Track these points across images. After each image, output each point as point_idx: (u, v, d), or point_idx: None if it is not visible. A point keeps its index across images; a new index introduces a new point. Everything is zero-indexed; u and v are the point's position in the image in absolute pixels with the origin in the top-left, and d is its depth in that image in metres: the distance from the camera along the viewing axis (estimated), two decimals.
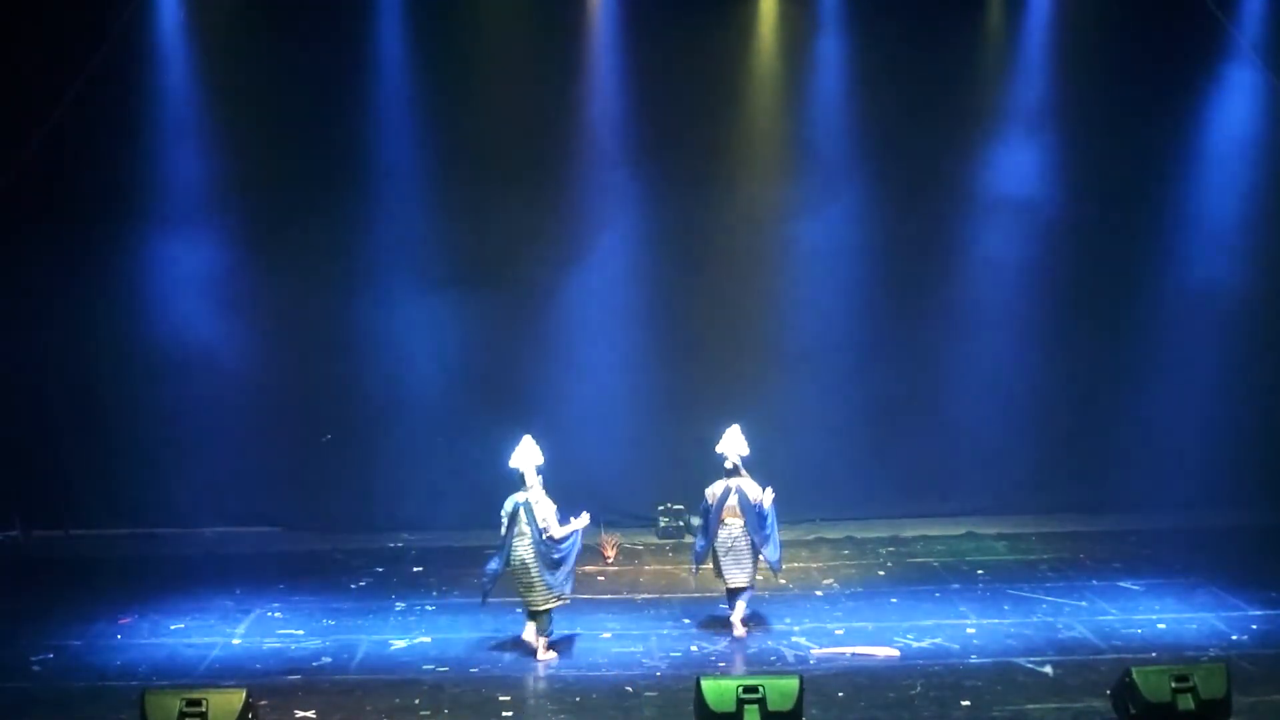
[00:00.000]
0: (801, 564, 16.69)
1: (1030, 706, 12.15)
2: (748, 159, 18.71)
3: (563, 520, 13.58)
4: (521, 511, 13.47)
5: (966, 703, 12.24)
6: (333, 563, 17.18)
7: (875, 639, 13.97)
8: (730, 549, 14.23)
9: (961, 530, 18.34)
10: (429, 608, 15.34)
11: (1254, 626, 14.26)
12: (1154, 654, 13.25)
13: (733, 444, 14.40)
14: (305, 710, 12.16)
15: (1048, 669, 13.07)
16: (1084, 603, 15.16)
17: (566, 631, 14.12)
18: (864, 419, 18.70)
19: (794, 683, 10.70)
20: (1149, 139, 18.47)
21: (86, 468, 18.25)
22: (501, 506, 13.63)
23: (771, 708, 10.55)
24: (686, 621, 14.74)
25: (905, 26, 18.07)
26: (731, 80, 18.52)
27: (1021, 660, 13.32)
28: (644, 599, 15.62)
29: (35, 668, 13.42)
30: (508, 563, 13.55)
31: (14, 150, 16.96)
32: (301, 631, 14.49)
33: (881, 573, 16.70)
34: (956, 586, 15.94)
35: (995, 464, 18.78)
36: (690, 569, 14.94)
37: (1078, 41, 18.44)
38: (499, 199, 18.13)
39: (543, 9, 18.28)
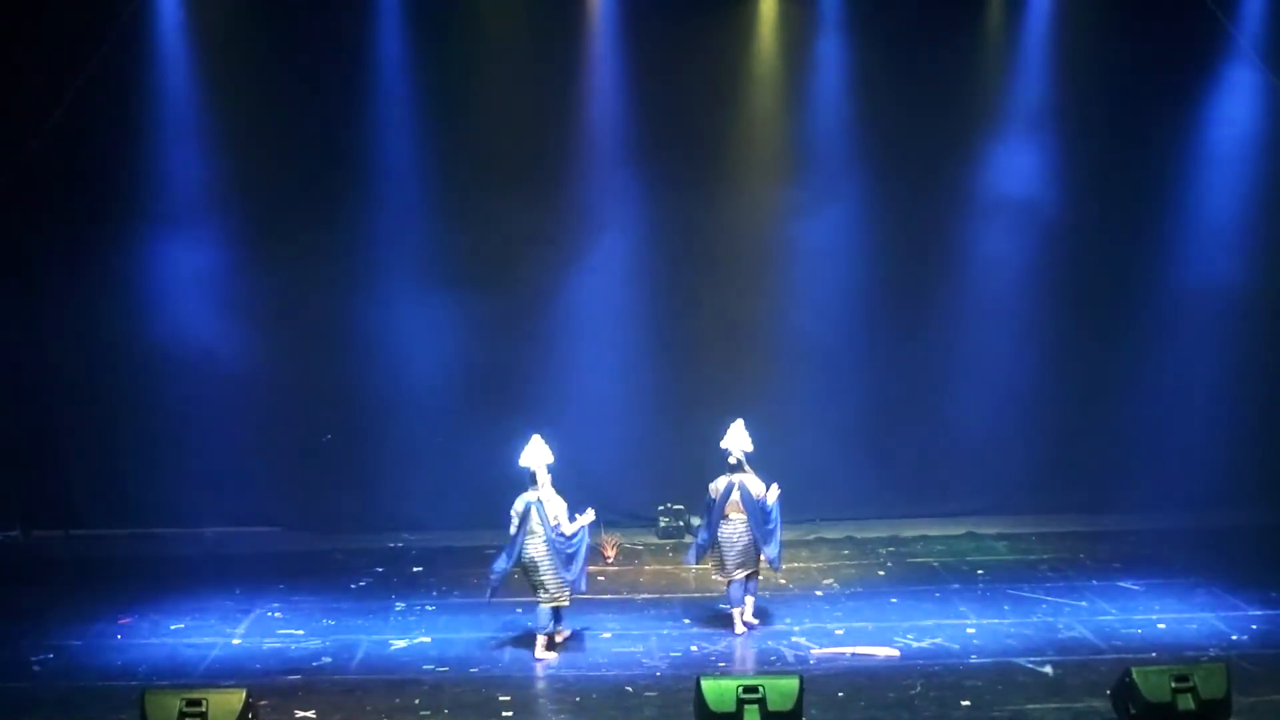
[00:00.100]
0: (801, 564, 16.69)
1: (1030, 706, 12.16)
2: (748, 159, 18.71)
3: (569, 519, 13.71)
4: (533, 510, 13.56)
5: (966, 703, 12.25)
6: (333, 563, 17.19)
7: (875, 639, 13.98)
8: (733, 544, 14.29)
9: (961, 530, 18.34)
10: (429, 608, 15.35)
11: (1254, 626, 14.27)
12: (1154, 654, 13.27)
13: (737, 439, 14.46)
14: (305, 710, 12.16)
15: (1048, 669, 13.07)
16: (1084, 603, 15.17)
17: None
18: (864, 419, 18.71)
19: (794, 683, 10.72)
20: (1149, 139, 18.48)
21: (86, 468, 18.25)
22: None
23: (771, 708, 10.57)
24: (686, 621, 14.74)
25: (905, 26, 18.07)
26: (731, 80, 18.52)
27: (1021, 660, 13.32)
28: (644, 599, 15.63)
29: (35, 668, 13.43)
30: (517, 562, 13.59)
31: (14, 150, 16.96)
32: (301, 631, 14.50)
33: (881, 573, 16.70)
34: (956, 586, 15.94)
35: (995, 464, 18.77)
36: (688, 560, 15.01)
37: (1078, 41, 18.44)
38: (499, 199, 18.13)
39: (543, 9, 18.28)
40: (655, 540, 18.09)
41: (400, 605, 15.41)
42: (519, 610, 14.92)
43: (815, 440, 18.23)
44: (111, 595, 15.56)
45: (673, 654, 13.69)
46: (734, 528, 14.30)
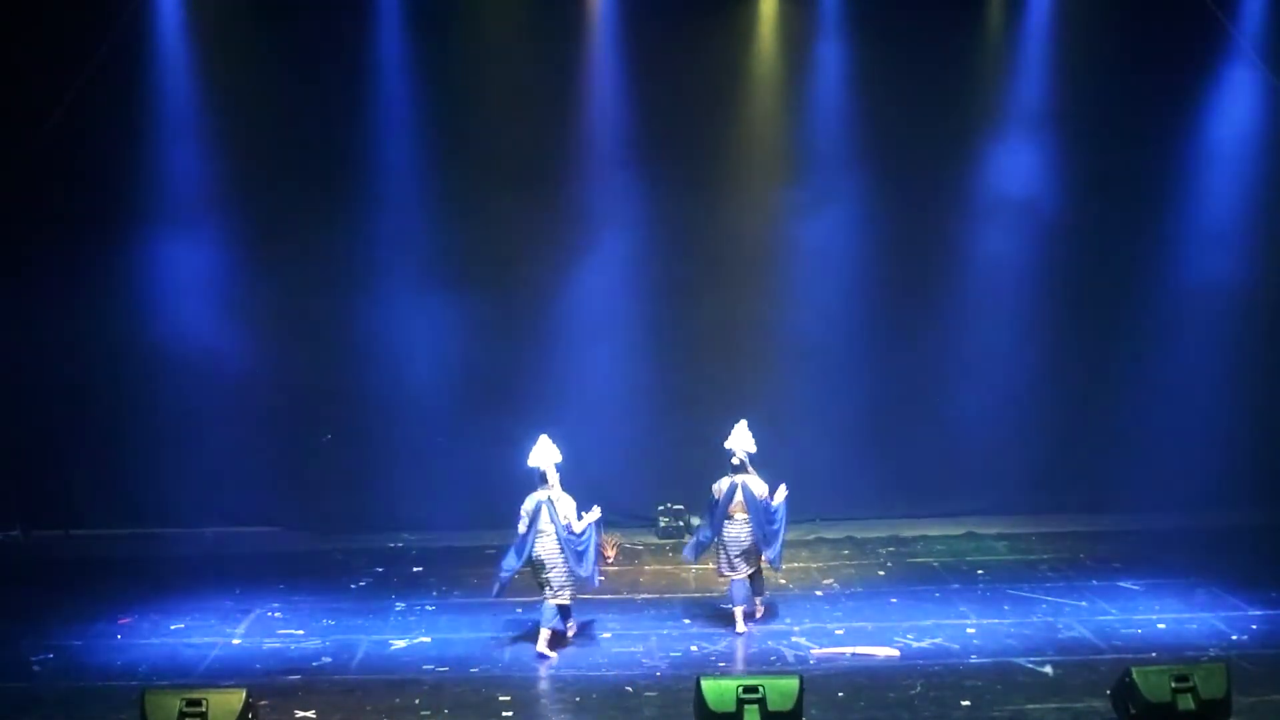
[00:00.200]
0: (801, 564, 16.69)
1: (1030, 706, 12.16)
2: (748, 159, 18.71)
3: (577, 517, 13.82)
4: (544, 509, 13.66)
5: (966, 703, 12.25)
6: (333, 563, 17.19)
7: (875, 639, 13.98)
8: (739, 544, 14.36)
9: (961, 530, 18.34)
10: (429, 608, 15.35)
11: (1254, 626, 14.27)
12: (1154, 654, 13.27)
13: (740, 440, 14.49)
14: (305, 710, 12.16)
15: (1048, 669, 13.07)
16: (1084, 603, 15.17)
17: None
18: (864, 419, 18.71)
19: (794, 683, 10.72)
20: (1149, 139, 18.47)
21: (86, 468, 18.25)
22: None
23: (771, 708, 10.57)
24: (686, 621, 14.75)
25: (905, 27, 18.06)
26: (732, 81, 18.52)
27: (1021, 660, 13.32)
28: (644, 599, 15.63)
29: (35, 668, 13.43)
30: (527, 560, 13.65)
31: (14, 150, 16.96)
32: (301, 631, 14.50)
33: (881, 573, 16.70)
34: (956, 586, 15.94)
35: (995, 464, 18.77)
36: (686, 556, 15.06)
37: (1078, 41, 18.43)
38: (499, 199, 18.13)
39: (543, 9, 18.28)
40: (655, 540, 18.09)
41: (400, 605, 15.41)
42: (519, 610, 14.94)
43: (815, 440, 18.23)
44: (111, 595, 15.57)
45: (673, 654, 13.69)
46: (738, 528, 14.35)
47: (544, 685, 12.96)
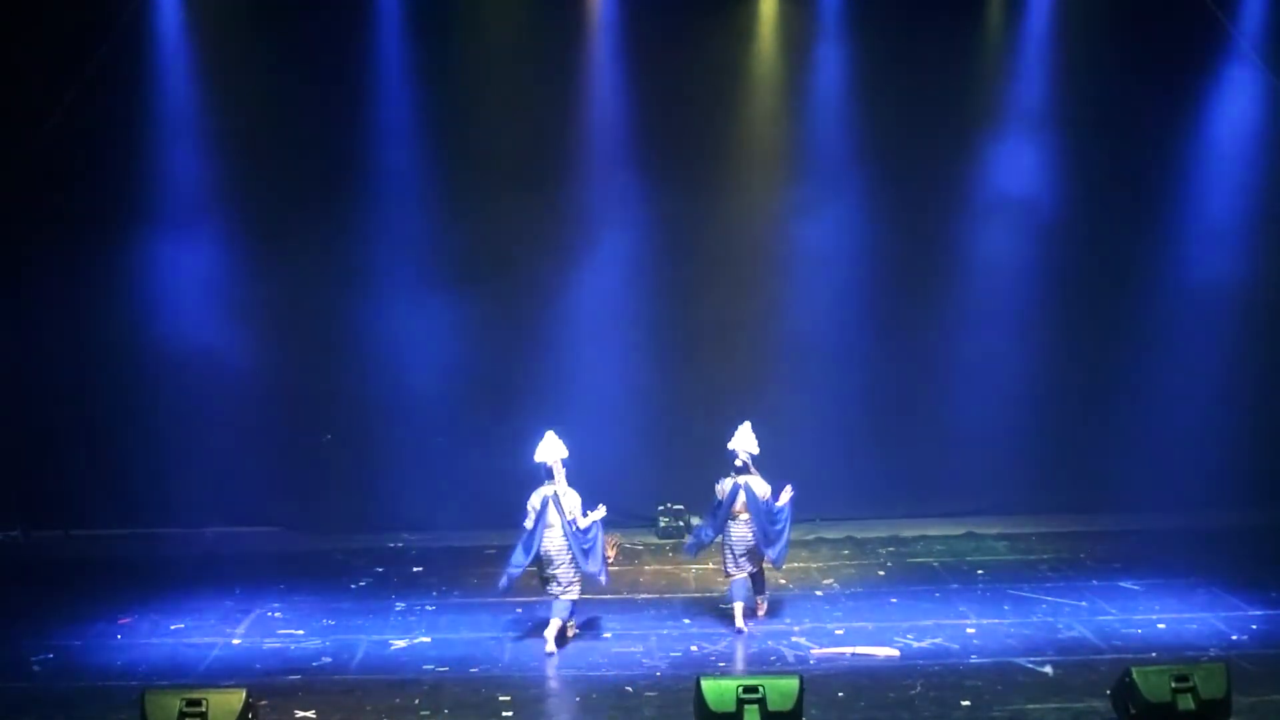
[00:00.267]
0: (801, 564, 16.69)
1: (1030, 706, 12.15)
2: (749, 159, 18.72)
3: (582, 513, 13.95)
4: (550, 504, 13.79)
5: (966, 703, 12.24)
6: (333, 563, 17.18)
7: (875, 639, 13.97)
8: (744, 543, 14.41)
9: (961, 530, 18.34)
10: (429, 608, 15.34)
11: (1254, 626, 14.27)
12: (1154, 654, 13.25)
13: (744, 441, 14.53)
14: (305, 710, 12.16)
15: (1048, 669, 13.07)
16: (1084, 603, 15.16)
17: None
18: (864, 419, 18.71)
19: (794, 683, 10.71)
20: (1149, 139, 18.48)
21: (86, 468, 18.23)
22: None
23: (771, 708, 10.56)
24: (686, 621, 14.74)
25: (905, 27, 18.07)
26: (732, 81, 18.52)
27: (1021, 660, 13.32)
28: (644, 599, 15.62)
29: (35, 668, 13.43)
30: (535, 556, 13.76)
31: (14, 150, 16.96)
32: (301, 631, 14.50)
33: (881, 573, 16.70)
34: (956, 586, 15.94)
35: (995, 464, 18.76)
36: (687, 550, 15.16)
37: (1078, 41, 18.44)
38: (499, 200, 18.13)
39: (543, 10, 18.28)
40: (655, 540, 18.09)
41: (400, 605, 15.41)
42: (519, 610, 14.95)
43: (815, 440, 18.22)
44: (111, 595, 15.56)
45: (673, 654, 13.68)
46: (742, 529, 14.41)
47: (544, 685, 12.95)
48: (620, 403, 18.29)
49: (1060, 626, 14.39)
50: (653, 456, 18.30)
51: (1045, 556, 17.22)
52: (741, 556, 14.44)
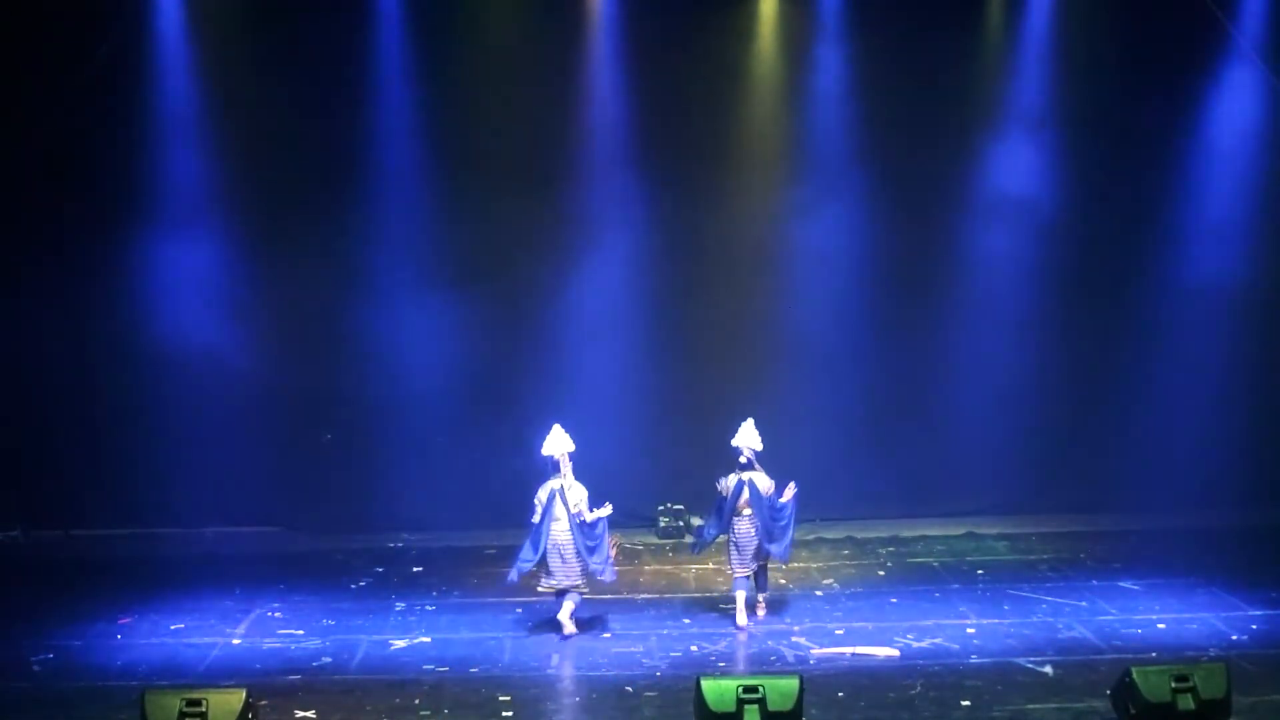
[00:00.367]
0: (801, 564, 16.68)
1: (1030, 706, 12.15)
2: (749, 160, 18.73)
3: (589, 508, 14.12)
4: (557, 497, 13.94)
5: (966, 703, 12.24)
6: (333, 563, 17.18)
7: (875, 639, 13.97)
8: (749, 539, 14.49)
9: (961, 530, 18.34)
10: (429, 608, 15.34)
11: (1254, 626, 14.27)
12: (1154, 654, 13.25)
13: (747, 437, 14.61)
14: (305, 710, 12.16)
15: (1048, 669, 13.07)
16: (1084, 603, 15.16)
17: (566, 631, 14.13)
18: (864, 419, 18.72)
19: (794, 683, 10.71)
20: (1149, 139, 18.49)
21: (86, 468, 18.24)
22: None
23: (771, 708, 10.56)
24: (686, 621, 14.74)
25: (905, 27, 18.07)
26: (732, 81, 18.53)
27: (1021, 660, 13.31)
28: (644, 599, 15.62)
29: (35, 668, 13.42)
30: (543, 550, 13.92)
31: (14, 150, 16.96)
32: (301, 631, 14.49)
33: (881, 573, 16.70)
34: (956, 586, 15.94)
35: (995, 464, 18.78)
36: (692, 550, 15.32)
37: (1078, 41, 18.45)
38: (499, 200, 18.14)
39: (543, 10, 18.29)
40: (655, 540, 18.10)
41: (400, 605, 15.41)
42: (519, 610, 14.95)
43: (815, 440, 18.22)
44: (111, 595, 15.56)
45: (673, 654, 13.68)
46: (746, 525, 14.51)
47: (544, 685, 12.95)
48: (620, 403, 18.29)
49: (1060, 626, 14.38)
50: (653, 456, 18.31)
51: (1045, 556, 17.22)
52: (746, 553, 14.49)
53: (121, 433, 18.23)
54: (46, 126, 17.11)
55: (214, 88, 17.90)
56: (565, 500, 13.99)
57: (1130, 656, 12.89)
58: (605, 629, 14.47)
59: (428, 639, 14.20)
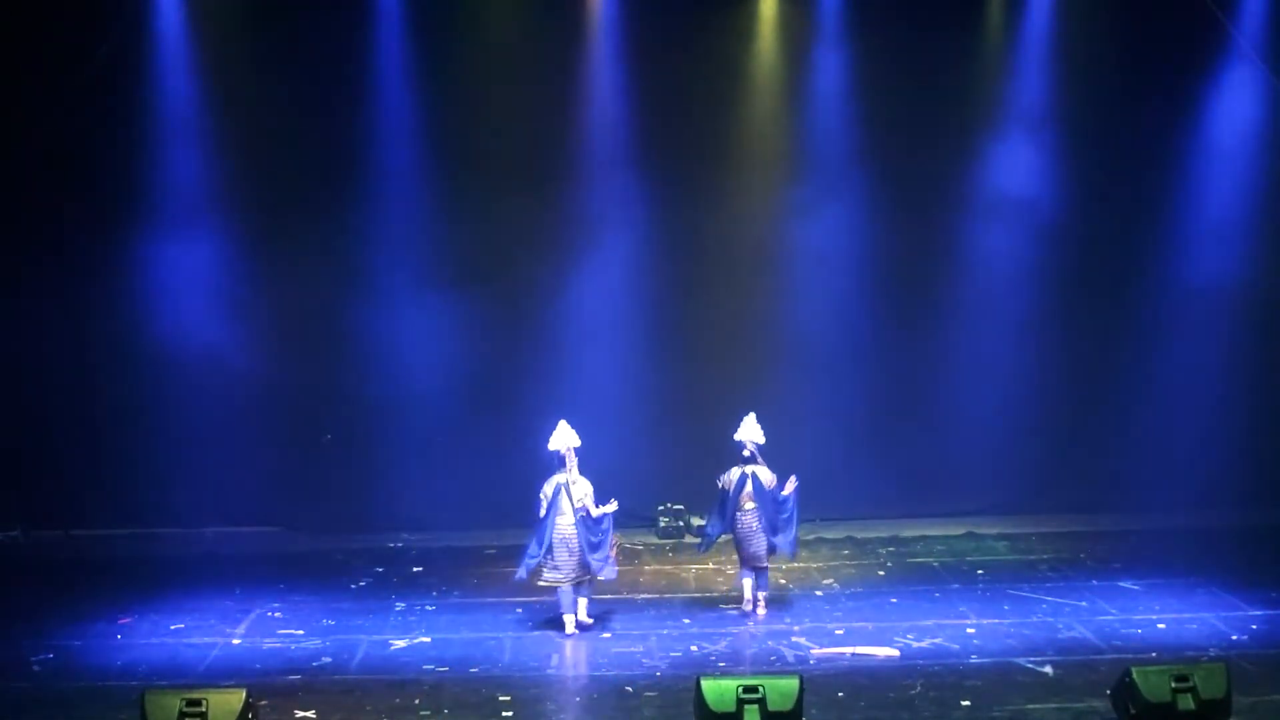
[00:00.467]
0: (801, 564, 16.67)
1: (1030, 706, 12.14)
2: (749, 161, 18.74)
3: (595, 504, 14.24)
4: (563, 492, 14.04)
5: (966, 703, 12.23)
6: (333, 563, 17.18)
7: (875, 639, 13.97)
8: (747, 534, 14.60)
9: (961, 530, 18.34)
10: (429, 608, 15.34)
11: (1254, 626, 14.26)
12: (1154, 654, 13.24)
13: (750, 431, 14.71)
14: (305, 710, 12.15)
15: (1048, 669, 13.06)
16: (1084, 603, 15.15)
17: (566, 632, 14.15)
18: (864, 419, 18.73)
19: (794, 683, 10.71)
20: (1149, 139, 18.49)
21: (86, 468, 18.24)
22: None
23: (771, 708, 10.56)
24: (686, 621, 14.74)
25: (905, 28, 18.08)
26: (732, 81, 18.54)
27: (1021, 660, 13.31)
28: (644, 599, 15.62)
29: (35, 668, 13.41)
30: (549, 544, 14.00)
31: (14, 150, 16.96)
32: (301, 631, 14.49)
33: (881, 573, 16.70)
34: (956, 586, 15.94)
35: (995, 464, 18.78)
36: (700, 549, 15.39)
37: (1078, 41, 18.45)
38: (499, 200, 18.15)
39: (543, 10, 18.29)
40: (655, 540, 18.10)
41: (400, 605, 15.40)
42: (519, 610, 14.96)
43: (815, 440, 18.21)
44: (111, 595, 15.56)
45: (673, 654, 13.67)
46: (750, 518, 14.60)
47: (544, 685, 12.94)
48: (620, 403, 18.29)
49: (1060, 626, 14.38)
50: (653, 456, 18.30)
51: (1045, 556, 17.22)
52: (746, 548, 14.60)
53: (121, 433, 18.24)
54: (46, 126, 17.12)
55: (214, 87, 17.91)
56: (570, 495, 14.07)
57: (1130, 656, 12.88)
58: (605, 629, 14.47)
59: (428, 639, 14.20)
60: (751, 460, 14.69)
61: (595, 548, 14.12)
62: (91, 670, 13.32)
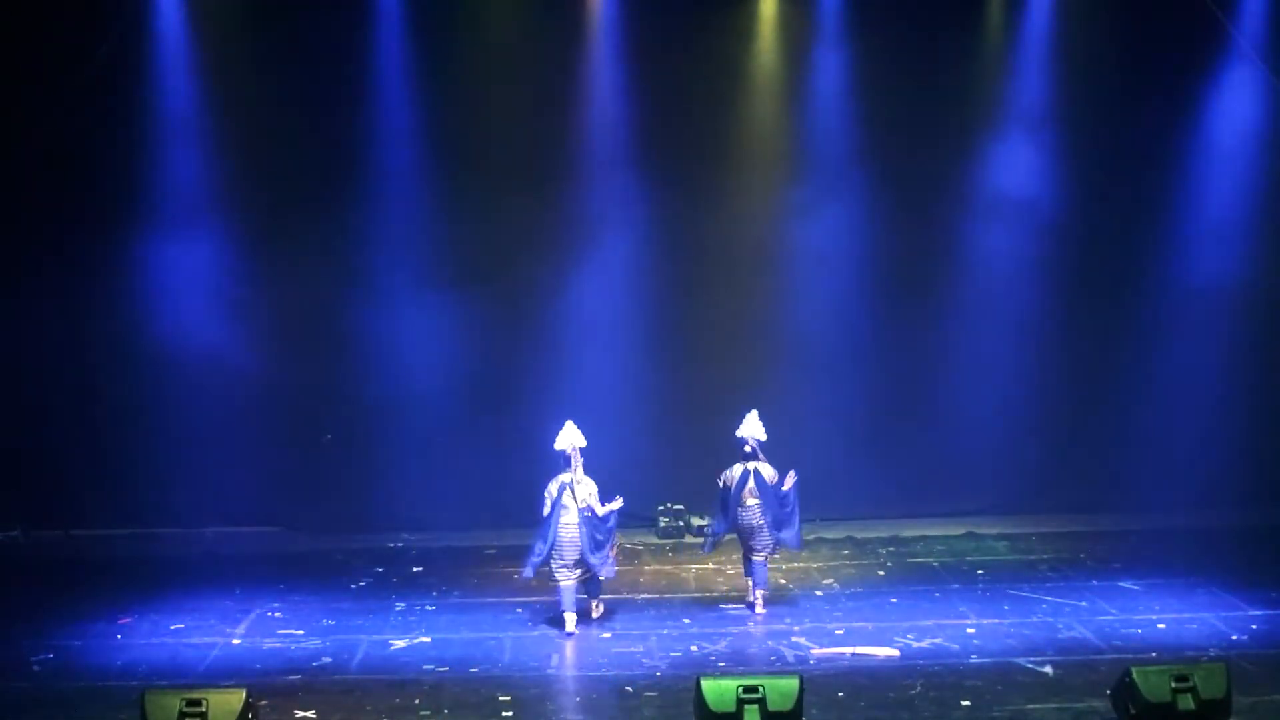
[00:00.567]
0: (801, 564, 16.68)
1: (1030, 706, 12.15)
2: (749, 161, 18.73)
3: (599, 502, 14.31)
4: (567, 491, 14.11)
5: (966, 703, 12.24)
6: (333, 563, 17.18)
7: (875, 639, 13.97)
8: (751, 530, 14.67)
9: (961, 530, 18.34)
10: (429, 608, 15.34)
11: (1254, 626, 14.26)
12: (1154, 654, 13.25)
13: (752, 428, 14.78)
14: (305, 710, 12.16)
15: (1048, 669, 13.07)
16: (1084, 603, 15.16)
17: (566, 629, 14.16)
18: (864, 419, 18.72)
19: (794, 683, 10.71)
20: (1149, 139, 18.49)
21: (86, 468, 18.23)
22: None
23: (771, 708, 10.56)
24: (686, 621, 14.74)
25: (905, 27, 18.08)
26: (732, 81, 18.53)
27: (1021, 660, 13.31)
28: (644, 599, 15.62)
29: (35, 668, 13.42)
30: (553, 542, 14.07)
31: (14, 150, 16.96)
32: (301, 631, 14.49)
33: (881, 573, 16.70)
34: (956, 586, 15.94)
35: (995, 464, 18.78)
36: (705, 549, 15.42)
37: (1078, 41, 18.45)
38: (499, 200, 18.15)
39: (543, 10, 18.29)
40: (655, 540, 18.10)
41: (400, 605, 15.40)
42: (519, 610, 14.96)
43: (815, 440, 18.17)
44: (111, 595, 15.56)
45: (673, 654, 13.68)
46: (752, 514, 14.67)
47: (544, 685, 12.94)
48: (620, 403, 18.28)
49: (1060, 626, 14.38)
50: (653, 456, 18.29)
51: (1045, 556, 17.22)
52: (752, 540, 14.68)
53: (121, 433, 18.23)
54: (46, 126, 17.11)
55: (214, 87, 17.90)
56: (575, 494, 14.15)
57: (1130, 656, 12.89)
58: (605, 629, 14.47)
59: (428, 639, 14.20)
60: (753, 456, 14.76)
61: (599, 546, 14.18)
62: (91, 670, 13.32)
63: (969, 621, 14.56)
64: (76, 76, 17.07)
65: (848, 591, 15.83)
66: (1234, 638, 13.91)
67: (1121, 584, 15.86)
